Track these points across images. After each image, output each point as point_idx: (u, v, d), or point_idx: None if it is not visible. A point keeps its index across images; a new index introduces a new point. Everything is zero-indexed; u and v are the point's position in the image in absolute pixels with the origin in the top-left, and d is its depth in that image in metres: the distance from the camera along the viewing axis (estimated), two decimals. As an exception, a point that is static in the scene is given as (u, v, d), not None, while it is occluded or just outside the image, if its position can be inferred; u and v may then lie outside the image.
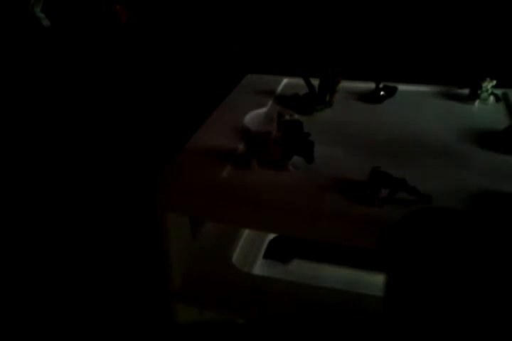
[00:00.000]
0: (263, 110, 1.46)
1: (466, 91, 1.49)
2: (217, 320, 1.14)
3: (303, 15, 1.78)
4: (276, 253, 1.56)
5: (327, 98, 1.44)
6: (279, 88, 1.59)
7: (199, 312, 1.38)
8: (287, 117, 1.17)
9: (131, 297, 1.63)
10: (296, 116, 1.19)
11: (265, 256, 1.54)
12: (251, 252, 1.49)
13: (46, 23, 2.03)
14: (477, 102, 1.46)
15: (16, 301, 1.64)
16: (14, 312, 1.60)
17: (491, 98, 1.46)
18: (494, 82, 1.46)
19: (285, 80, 1.63)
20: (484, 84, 1.45)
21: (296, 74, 1.57)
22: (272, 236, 1.58)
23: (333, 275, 1.45)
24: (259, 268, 1.47)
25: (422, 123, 1.36)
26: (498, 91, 1.47)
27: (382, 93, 1.48)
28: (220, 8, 1.92)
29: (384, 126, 1.36)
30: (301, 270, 1.50)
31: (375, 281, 1.33)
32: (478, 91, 1.45)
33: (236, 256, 1.41)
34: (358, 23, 1.70)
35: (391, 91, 1.50)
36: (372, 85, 1.51)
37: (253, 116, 1.43)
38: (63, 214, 1.94)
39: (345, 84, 1.50)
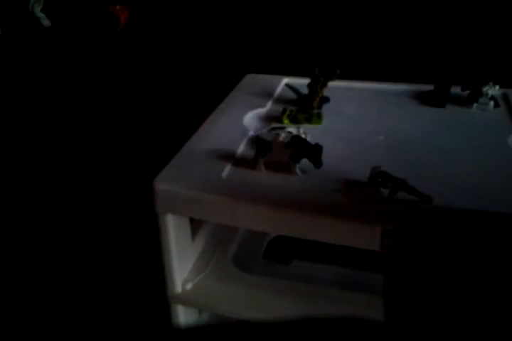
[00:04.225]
0: (263, 110, 1.46)
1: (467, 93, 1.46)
2: (217, 323, 1.14)
3: (302, 15, 1.78)
4: (276, 253, 1.55)
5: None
6: (279, 88, 1.59)
7: (199, 314, 1.38)
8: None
9: (131, 298, 1.63)
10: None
11: (265, 256, 1.53)
12: (251, 252, 1.49)
13: (46, 23, 2.02)
14: (475, 106, 1.43)
15: (16, 301, 1.64)
16: (14, 312, 1.60)
17: (491, 103, 1.43)
18: (497, 87, 1.42)
19: (285, 80, 1.62)
20: (484, 89, 1.42)
21: (293, 74, 1.57)
22: (272, 236, 1.58)
23: (333, 275, 1.45)
24: (259, 268, 1.47)
25: (415, 128, 1.36)
26: (499, 93, 1.45)
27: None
28: (220, 8, 1.92)
29: (382, 127, 1.36)
30: (301, 270, 1.50)
31: (374, 281, 1.33)
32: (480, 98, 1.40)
33: (236, 256, 1.41)
34: (359, 23, 1.70)
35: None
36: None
37: (253, 116, 1.43)
38: (63, 216, 1.94)
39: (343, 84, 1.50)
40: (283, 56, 1.79)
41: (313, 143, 1.14)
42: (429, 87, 1.52)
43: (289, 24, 1.79)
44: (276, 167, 1.18)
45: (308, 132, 1.19)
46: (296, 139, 1.14)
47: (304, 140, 1.15)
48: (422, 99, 1.50)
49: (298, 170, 1.15)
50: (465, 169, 1.16)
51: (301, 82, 1.47)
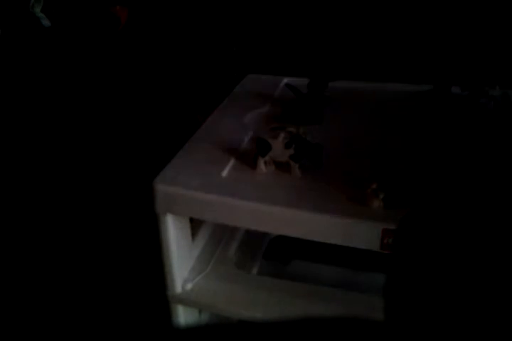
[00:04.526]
0: (263, 110, 1.46)
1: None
2: (217, 323, 1.14)
3: (301, 15, 1.78)
4: (276, 253, 1.55)
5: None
6: (279, 88, 1.59)
7: (199, 314, 1.38)
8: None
9: (131, 298, 1.63)
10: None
11: (265, 256, 1.53)
12: (251, 252, 1.49)
13: (46, 23, 2.02)
14: (475, 106, 1.43)
15: (16, 301, 1.64)
16: (14, 312, 1.60)
17: (491, 103, 1.42)
18: (497, 87, 1.42)
19: (285, 80, 1.62)
20: (485, 89, 1.41)
21: (293, 75, 1.57)
22: (272, 236, 1.58)
23: (333, 275, 1.45)
24: (259, 268, 1.47)
25: (415, 128, 1.36)
26: (499, 93, 1.45)
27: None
28: (220, 7, 1.92)
29: (382, 127, 1.36)
30: (300, 270, 1.50)
31: (374, 281, 1.33)
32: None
33: (236, 256, 1.41)
34: (359, 23, 1.70)
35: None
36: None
37: (253, 116, 1.43)
38: (63, 216, 1.94)
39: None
40: (283, 56, 1.80)
41: (313, 143, 1.14)
42: (429, 87, 1.52)
43: (289, 24, 1.79)
44: (277, 167, 1.18)
45: (308, 132, 1.19)
46: (296, 139, 1.14)
47: (304, 140, 1.15)
48: (422, 99, 1.50)
49: (298, 170, 1.15)
50: (465, 169, 1.17)
51: (301, 83, 1.47)
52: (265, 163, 1.17)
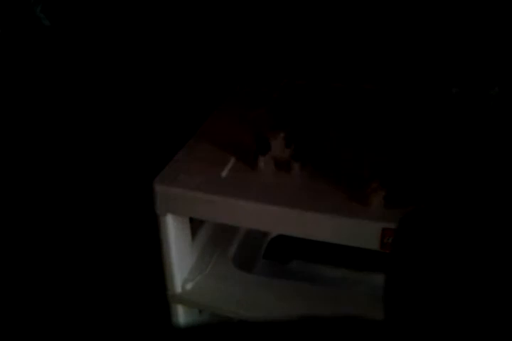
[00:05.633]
0: (263, 109, 1.46)
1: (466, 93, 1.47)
2: (217, 323, 1.14)
3: (300, 15, 1.78)
4: (276, 253, 1.55)
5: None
6: (279, 89, 1.59)
7: (199, 314, 1.38)
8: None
9: (131, 298, 1.63)
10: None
11: (265, 256, 1.53)
12: (251, 252, 1.49)
13: (46, 23, 2.02)
14: (474, 107, 1.43)
15: (16, 301, 1.64)
16: (14, 312, 1.60)
17: (492, 103, 1.43)
18: (497, 87, 1.43)
19: (285, 81, 1.62)
20: (485, 89, 1.42)
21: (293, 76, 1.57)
22: (272, 235, 1.58)
23: (333, 275, 1.45)
24: (259, 268, 1.47)
25: (415, 128, 1.36)
26: (499, 93, 1.46)
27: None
28: (217, 11, 1.92)
29: (383, 127, 1.36)
30: (301, 270, 1.50)
31: (374, 281, 1.33)
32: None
33: (236, 256, 1.41)
34: (358, 22, 1.70)
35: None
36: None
37: (254, 115, 1.43)
38: (62, 216, 1.94)
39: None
40: (282, 57, 1.80)
41: (313, 141, 1.14)
42: (428, 88, 1.52)
43: (287, 26, 1.79)
44: (277, 166, 1.18)
45: (307, 131, 1.19)
46: (296, 139, 1.14)
47: (304, 139, 1.15)
48: (422, 99, 1.50)
49: (298, 170, 1.16)
50: (466, 168, 1.17)
51: (301, 83, 1.47)
52: (265, 162, 1.17)
